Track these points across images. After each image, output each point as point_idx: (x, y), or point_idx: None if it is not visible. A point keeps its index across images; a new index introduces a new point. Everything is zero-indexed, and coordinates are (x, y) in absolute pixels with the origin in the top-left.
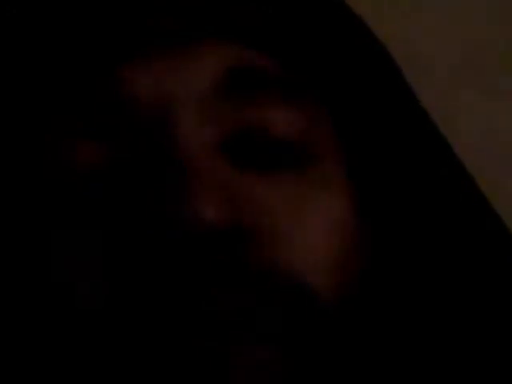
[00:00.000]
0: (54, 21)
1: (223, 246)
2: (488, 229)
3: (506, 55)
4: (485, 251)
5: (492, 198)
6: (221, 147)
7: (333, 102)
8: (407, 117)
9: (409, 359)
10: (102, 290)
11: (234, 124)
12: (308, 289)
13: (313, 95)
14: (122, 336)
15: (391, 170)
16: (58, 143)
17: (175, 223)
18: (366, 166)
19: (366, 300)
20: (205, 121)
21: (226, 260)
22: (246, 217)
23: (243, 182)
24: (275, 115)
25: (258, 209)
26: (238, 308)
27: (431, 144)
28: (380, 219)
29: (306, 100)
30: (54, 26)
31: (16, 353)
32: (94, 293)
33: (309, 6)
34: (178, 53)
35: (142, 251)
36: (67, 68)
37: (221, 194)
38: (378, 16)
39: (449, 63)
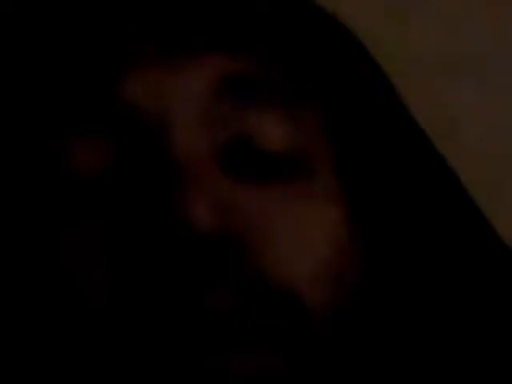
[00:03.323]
0: (57, 29)
1: (215, 252)
2: (477, 231)
3: (506, 54)
4: (475, 255)
5: (491, 199)
6: (217, 155)
7: (325, 110)
8: (399, 126)
9: (403, 367)
10: (103, 289)
11: (226, 133)
12: (299, 299)
13: (308, 104)
14: (122, 335)
15: (384, 178)
16: (61, 147)
17: (170, 228)
18: (358, 172)
19: (360, 309)
20: (202, 129)
21: (219, 267)
22: (239, 225)
23: (238, 190)
24: (271, 125)
25: (252, 218)
26: (237, 309)
27: (421, 152)
28: (373, 229)
29: (302, 109)
30: (58, 34)
31: (17, 347)
32: (95, 292)
33: (304, 18)
34: (177, 62)
35: (140, 252)
36: (70, 75)
37: (215, 201)
38: (376, 16)
39: (449, 63)
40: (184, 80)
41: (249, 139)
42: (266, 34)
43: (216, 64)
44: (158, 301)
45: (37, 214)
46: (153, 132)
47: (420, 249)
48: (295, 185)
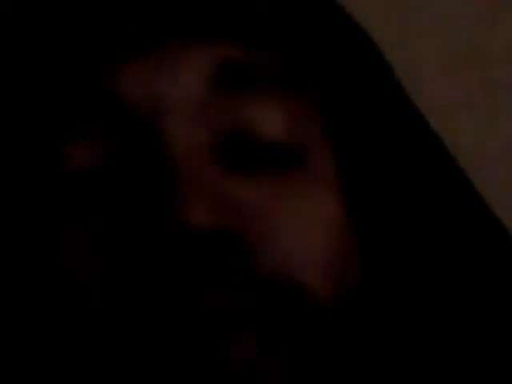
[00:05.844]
0: (45, 25)
1: (214, 250)
2: (482, 228)
3: (507, 53)
4: (480, 249)
5: (491, 197)
6: (210, 149)
7: (323, 100)
8: (398, 115)
9: (407, 360)
10: (103, 288)
11: (222, 125)
12: (302, 289)
13: (303, 93)
14: (122, 334)
15: (381, 167)
16: (50, 146)
17: (167, 227)
18: (356, 164)
19: (362, 299)
20: (193, 123)
21: (217, 263)
22: (236, 220)
23: (233, 184)
24: (264, 115)
25: (249, 211)
26: (238, 307)
27: (422, 141)
28: (371, 217)
29: (297, 98)
30: (46, 30)
31: (16, 346)
32: (95, 291)
33: (300, 3)
34: (168, 53)
35: (139, 252)
36: (59, 71)
37: (210, 198)
38: (376, 13)
39: (448, 61)
40: (177, 72)
41: (246, 129)
42: (265, 21)
43: (209, 53)
44: (157, 300)
45: (36, 214)
46: (149, 129)
47: (421, 241)
48: (294, 175)
